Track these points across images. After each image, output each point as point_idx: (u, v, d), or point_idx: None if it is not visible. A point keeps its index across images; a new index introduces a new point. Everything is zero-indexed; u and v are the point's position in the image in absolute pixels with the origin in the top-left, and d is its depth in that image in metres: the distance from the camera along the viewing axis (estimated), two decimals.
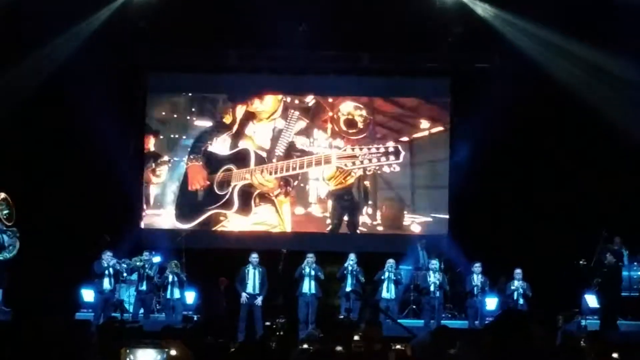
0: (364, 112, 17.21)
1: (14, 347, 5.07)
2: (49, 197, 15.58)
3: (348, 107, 17.25)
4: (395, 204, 17.12)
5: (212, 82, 17.37)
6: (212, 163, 17.17)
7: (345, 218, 17.11)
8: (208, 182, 17.07)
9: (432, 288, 14.72)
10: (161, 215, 17.17)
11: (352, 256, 14.84)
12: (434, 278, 14.79)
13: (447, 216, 16.78)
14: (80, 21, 15.14)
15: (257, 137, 17.24)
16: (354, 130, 17.14)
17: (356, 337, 7.43)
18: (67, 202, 15.53)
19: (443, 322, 14.24)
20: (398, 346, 7.19)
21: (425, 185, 17.09)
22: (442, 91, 17.09)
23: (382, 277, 14.76)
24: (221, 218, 17.07)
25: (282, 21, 15.19)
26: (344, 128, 17.16)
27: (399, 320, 13.77)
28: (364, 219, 17.06)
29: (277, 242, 16.29)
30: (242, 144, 17.23)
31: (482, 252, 15.12)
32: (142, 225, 17.04)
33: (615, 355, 6.37)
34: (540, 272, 14.75)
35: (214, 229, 17.07)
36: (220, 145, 17.24)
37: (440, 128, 17.11)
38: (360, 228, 17.08)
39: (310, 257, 14.79)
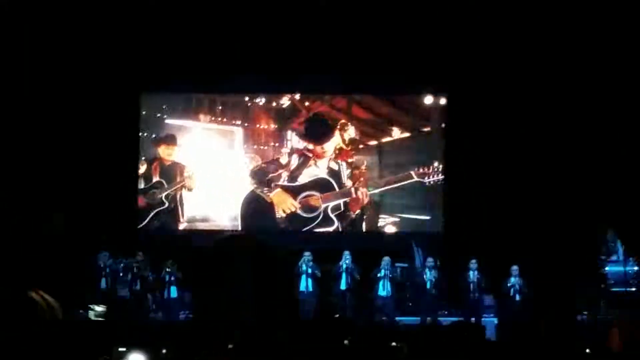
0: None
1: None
2: (50, 198, 15.59)
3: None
4: None
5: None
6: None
7: None
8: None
9: (428, 285, 14.75)
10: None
11: (347, 254, 14.83)
12: (429, 275, 14.81)
13: (442, 213, 16.82)
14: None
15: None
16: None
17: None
18: (65, 202, 15.56)
19: (439, 319, 14.27)
20: (393, 344, 7.12)
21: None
22: (438, 89, 17.04)
23: (379, 275, 14.77)
24: None
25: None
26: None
27: (395, 318, 13.82)
28: None
29: (274, 240, 16.22)
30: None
31: (477, 248, 15.13)
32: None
33: None
34: (537, 269, 14.75)
35: None
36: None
37: (428, 128, 17.15)
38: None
39: (307, 255, 14.80)
